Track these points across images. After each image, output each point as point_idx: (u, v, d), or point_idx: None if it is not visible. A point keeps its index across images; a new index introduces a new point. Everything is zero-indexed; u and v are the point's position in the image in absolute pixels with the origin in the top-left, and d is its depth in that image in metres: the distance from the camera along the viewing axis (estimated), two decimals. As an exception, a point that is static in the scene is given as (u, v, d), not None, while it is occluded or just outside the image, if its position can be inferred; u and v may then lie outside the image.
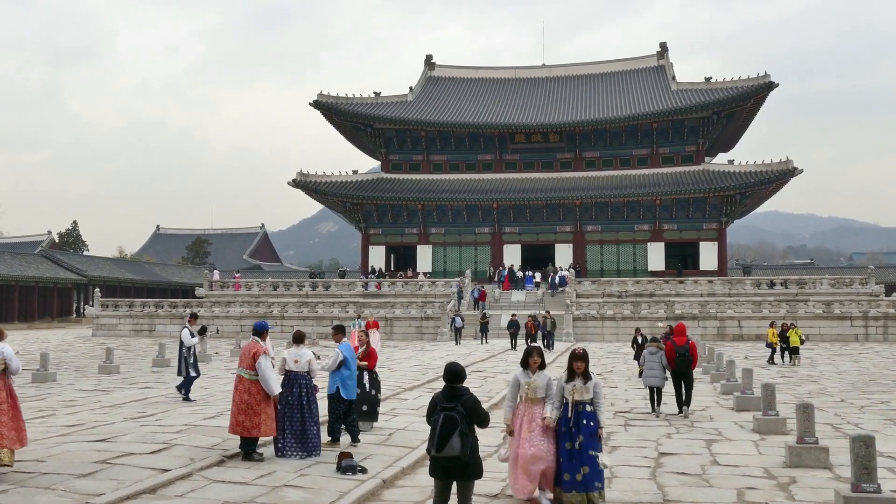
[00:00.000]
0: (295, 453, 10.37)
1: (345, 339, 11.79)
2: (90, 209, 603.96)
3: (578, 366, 8.36)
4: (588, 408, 8.27)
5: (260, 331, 10.76)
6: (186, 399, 16.16)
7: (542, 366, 8.40)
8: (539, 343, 33.59)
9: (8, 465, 8.93)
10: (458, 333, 38.08)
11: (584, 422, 8.19)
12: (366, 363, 12.52)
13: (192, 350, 16.88)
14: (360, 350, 12.67)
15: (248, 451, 10.17)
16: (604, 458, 8.16)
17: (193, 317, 18.30)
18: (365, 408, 12.33)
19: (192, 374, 16.66)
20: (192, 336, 17.06)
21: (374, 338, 25.88)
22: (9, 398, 9.22)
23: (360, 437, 11.40)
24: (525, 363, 8.40)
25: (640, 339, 23.89)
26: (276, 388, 10.28)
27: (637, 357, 22.82)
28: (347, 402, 11.32)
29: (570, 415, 8.18)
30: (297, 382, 10.65)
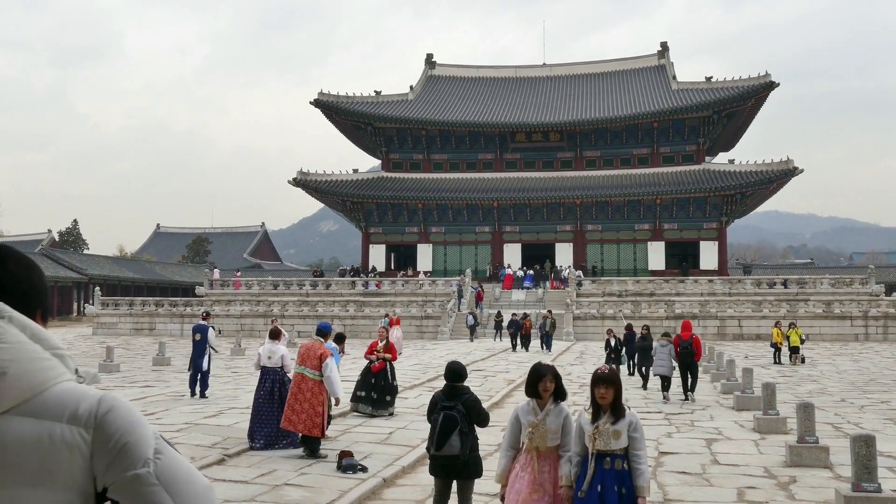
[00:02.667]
0: (266, 446, 10.56)
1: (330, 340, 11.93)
2: (92, 208, 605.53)
3: (603, 394, 5.24)
4: (620, 463, 5.21)
5: (324, 332, 11.05)
6: (203, 395, 16.39)
7: (559, 394, 5.60)
8: (526, 343, 33.50)
9: None
10: (472, 331, 38.78)
11: (615, 486, 5.17)
12: (389, 355, 13.74)
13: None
14: (381, 344, 13.79)
15: (314, 449, 10.30)
16: None
17: (208, 315, 18.49)
18: (388, 398, 13.64)
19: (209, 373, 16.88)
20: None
21: (397, 333, 26.87)
22: None
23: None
24: (533, 391, 5.56)
25: (612, 342, 22.31)
26: (340, 391, 10.54)
27: (608, 361, 21.64)
28: None
29: (590, 472, 5.20)
30: (270, 377, 10.96)
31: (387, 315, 36.40)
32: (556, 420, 5.47)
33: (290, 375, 11.06)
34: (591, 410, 5.32)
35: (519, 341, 33.78)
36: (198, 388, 16.62)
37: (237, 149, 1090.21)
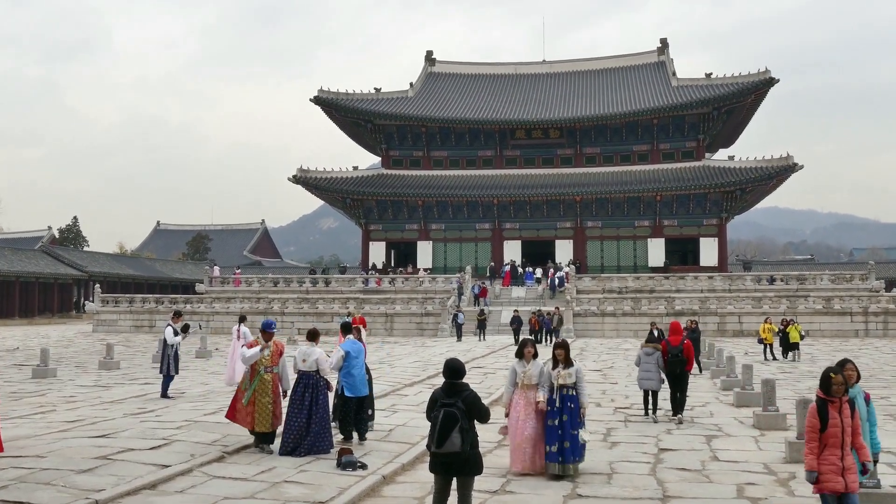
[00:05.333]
0: (298, 451, 10.39)
1: (349, 336, 11.77)
2: (90, 205, 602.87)
3: (559, 353, 9.73)
4: (571, 391, 9.57)
5: (265, 329, 11.03)
6: (164, 396, 16.14)
7: (536, 355, 9.79)
8: (533, 337, 33.66)
9: None
10: (459, 330, 38.03)
11: (568, 403, 9.53)
12: None
13: (175, 348, 16.84)
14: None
15: (267, 441, 10.68)
16: (584, 434, 9.50)
17: (177, 314, 18.22)
18: (370, 411, 12.31)
19: (173, 372, 16.64)
20: (176, 334, 17.01)
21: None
22: None
23: (366, 436, 11.42)
24: (520, 354, 9.77)
25: (656, 334, 23.27)
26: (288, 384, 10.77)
27: None
28: (355, 399, 11.25)
29: (555, 396, 9.53)
30: (301, 381, 10.69)
31: (349, 314, 33.53)
32: (536, 369, 9.63)
33: (328, 378, 10.90)
34: (551, 363, 9.76)
35: (536, 337, 33.68)
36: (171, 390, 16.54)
37: (232, 144, 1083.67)
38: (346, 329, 11.99)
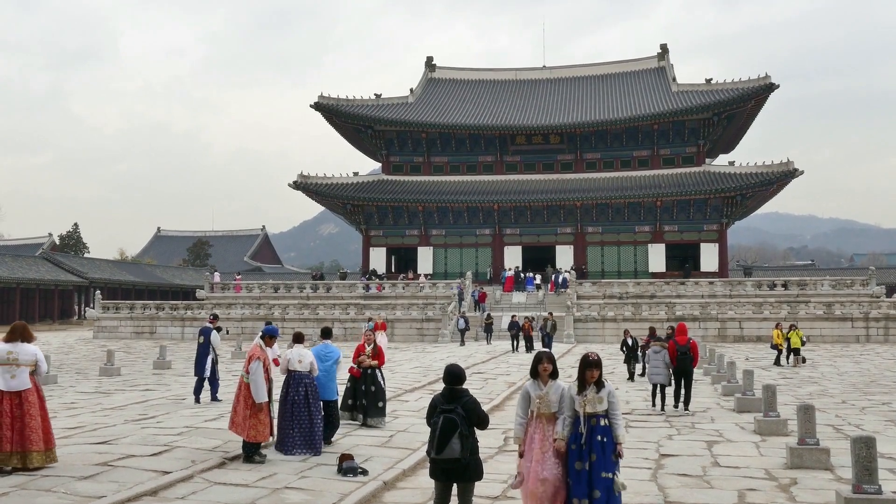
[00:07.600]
0: (301, 451, 10.52)
1: (327, 341, 12.00)
2: (92, 211, 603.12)
3: (592, 374, 7.12)
4: (602, 421, 7.03)
5: (266, 334, 10.87)
6: (214, 399, 16.19)
7: (555, 374, 7.25)
8: (540, 345, 33.65)
9: (38, 468, 9.01)
10: (462, 335, 38.16)
11: (598, 437, 6.98)
12: (376, 362, 13.00)
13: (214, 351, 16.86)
14: (369, 349, 13.07)
15: (249, 453, 10.19)
16: (620, 479, 7.04)
17: (215, 318, 18.21)
18: (380, 404, 12.97)
19: (206, 374, 16.63)
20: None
21: (381, 339, 25.91)
22: (38, 400, 9.34)
23: (331, 438, 11.59)
24: (535, 372, 7.24)
25: (629, 342, 23.24)
26: (262, 395, 10.21)
27: (627, 360, 22.70)
28: (331, 402, 11.50)
29: (581, 429, 6.99)
30: (302, 382, 10.77)
31: (370, 319, 35.63)
32: (556, 393, 7.16)
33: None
34: (577, 385, 7.16)
35: (522, 343, 33.92)
36: (207, 394, 16.40)
37: (235, 150, 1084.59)
38: (325, 334, 12.27)
